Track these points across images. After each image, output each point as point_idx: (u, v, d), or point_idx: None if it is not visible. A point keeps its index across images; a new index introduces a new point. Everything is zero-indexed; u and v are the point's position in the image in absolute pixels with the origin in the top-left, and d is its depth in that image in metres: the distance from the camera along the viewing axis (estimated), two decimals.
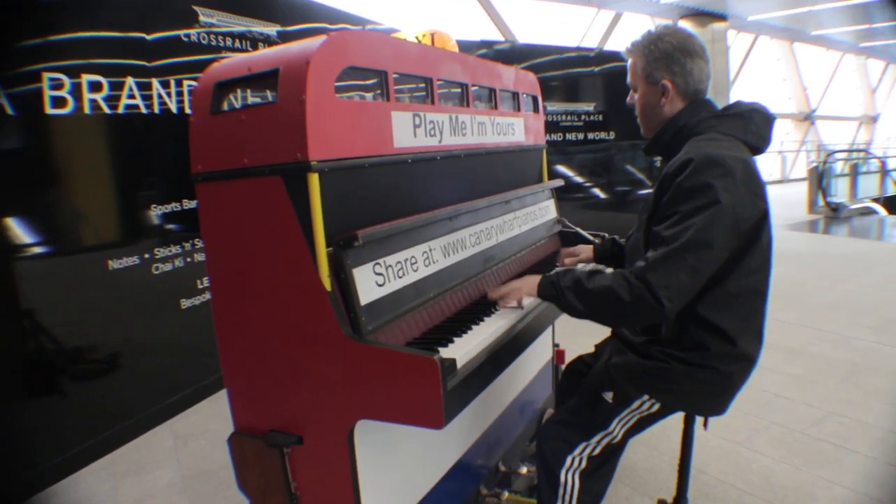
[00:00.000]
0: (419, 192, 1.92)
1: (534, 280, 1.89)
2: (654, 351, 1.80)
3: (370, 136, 1.68)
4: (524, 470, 2.62)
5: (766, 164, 18.42)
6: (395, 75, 1.79)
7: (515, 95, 2.71)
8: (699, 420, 2.03)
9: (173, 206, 3.76)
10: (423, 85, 2.02)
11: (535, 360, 3.00)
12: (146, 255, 3.57)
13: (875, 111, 27.45)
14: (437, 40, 2.19)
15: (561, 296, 1.77)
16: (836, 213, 11.56)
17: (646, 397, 1.83)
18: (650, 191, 1.85)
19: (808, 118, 22.88)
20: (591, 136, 7.60)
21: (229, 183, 1.60)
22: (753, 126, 1.81)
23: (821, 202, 11.92)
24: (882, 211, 12.58)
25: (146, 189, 3.67)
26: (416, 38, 2.26)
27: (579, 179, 7.69)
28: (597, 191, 7.74)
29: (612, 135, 7.66)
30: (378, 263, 1.63)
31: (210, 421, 3.81)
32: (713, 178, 1.61)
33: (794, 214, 11.64)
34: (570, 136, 7.47)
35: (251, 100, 3.63)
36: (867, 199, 12.93)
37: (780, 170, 20.50)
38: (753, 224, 1.71)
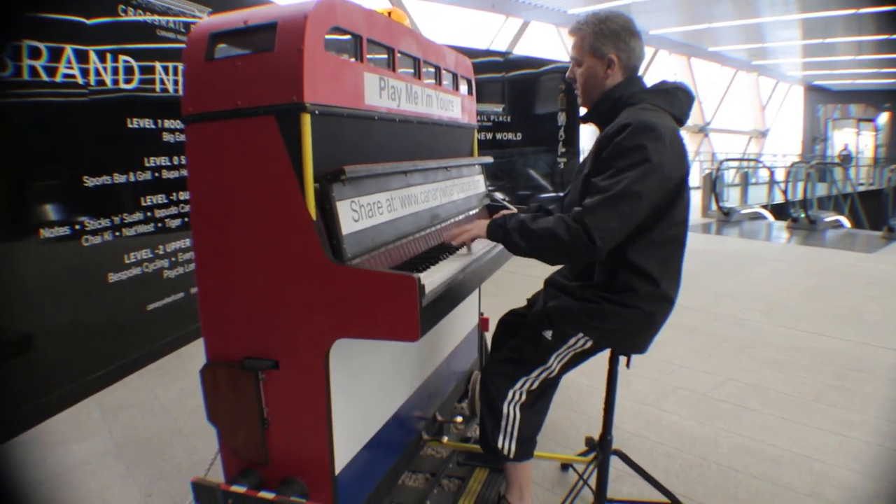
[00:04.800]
0: (382, 147, 2.09)
1: (482, 223, 2.07)
2: (589, 293, 2.03)
3: (348, 90, 1.84)
4: (459, 419, 2.83)
5: None
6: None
7: (455, 76, 2.93)
8: (622, 361, 2.27)
9: (104, 179, 3.77)
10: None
11: (463, 325, 3.18)
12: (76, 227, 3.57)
13: (765, 126, 28.82)
14: (393, 16, 2.36)
15: (507, 236, 1.95)
16: (727, 217, 12.13)
17: (580, 335, 2.05)
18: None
19: (702, 130, 23.80)
20: (499, 136, 7.78)
21: (221, 123, 1.71)
22: (678, 101, 2.08)
23: (714, 206, 12.51)
24: (770, 217, 13.36)
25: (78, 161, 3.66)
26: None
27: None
28: (499, 195, 7.83)
29: (518, 136, 7.86)
30: (354, 201, 1.79)
31: (137, 394, 3.84)
32: (646, 140, 1.84)
33: None
34: (480, 136, 7.49)
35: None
36: (757, 206, 13.76)
37: None
38: (677, 182, 1.97)
